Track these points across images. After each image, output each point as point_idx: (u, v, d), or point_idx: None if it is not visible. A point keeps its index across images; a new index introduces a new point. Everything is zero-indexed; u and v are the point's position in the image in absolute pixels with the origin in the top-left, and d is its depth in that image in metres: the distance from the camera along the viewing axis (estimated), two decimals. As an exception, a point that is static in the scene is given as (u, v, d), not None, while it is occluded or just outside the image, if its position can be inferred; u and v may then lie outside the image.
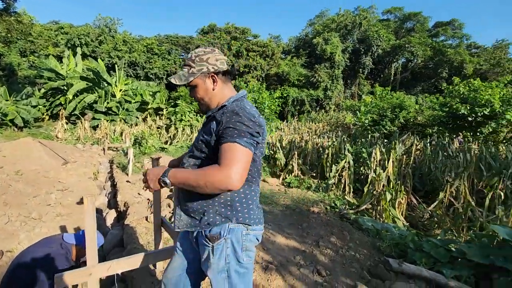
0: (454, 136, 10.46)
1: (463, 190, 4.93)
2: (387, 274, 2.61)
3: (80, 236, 2.06)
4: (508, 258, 2.39)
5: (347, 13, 32.31)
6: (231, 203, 1.20)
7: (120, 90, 19.85)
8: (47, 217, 3.26)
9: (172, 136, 10.78)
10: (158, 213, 2.32)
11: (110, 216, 4.29)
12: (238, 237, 1.20)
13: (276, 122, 14.82)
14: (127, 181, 5.06)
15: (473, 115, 9.55)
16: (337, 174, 5.41)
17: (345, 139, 7.00)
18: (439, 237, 3.48)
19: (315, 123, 19.85)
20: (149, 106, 21.75)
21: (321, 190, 5.16)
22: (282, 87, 27.63)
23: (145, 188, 1.27)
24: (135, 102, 20.55)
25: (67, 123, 12.20)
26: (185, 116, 13.44)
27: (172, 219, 3.20)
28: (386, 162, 5.09)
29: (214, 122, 1.20)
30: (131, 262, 1.74)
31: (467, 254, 2.63)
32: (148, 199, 4.23)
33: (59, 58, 24.32)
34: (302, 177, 5.87)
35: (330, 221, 3.74)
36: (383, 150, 5.49)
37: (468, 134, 10.46)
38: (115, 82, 19.79)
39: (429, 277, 2.54)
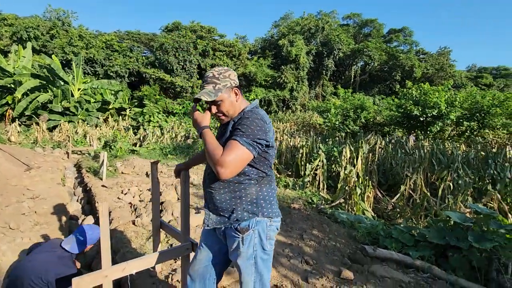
0: (407, 134, 11.59)
1: (420, 183, 5.58)
2: (364, 259, 2.96)
3: (78, 240, 2.05)
4: (460, 238, 2.86)
5: (310, 16, 33.64)
6: (256, 201, 1.39)
7: (79, 89, 18.56)
8: (25, 226, 3.08)
9: (141, 138, 10.44)
10: (157, 216, 2.40)
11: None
12: (263, 228, 1.39)
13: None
14: (103, 186, 4.90)
15: (424, 115, 10.68)
16: (311, 172, 5.79)
17: (317, 139, 7.44)
18: (402, 225, 3.96)
19: (282, 123, 20.44)
20: (110, 106, 20.64)
21: (297, 188, 5.49)
22: (249, 88, 27.94)
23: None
24: (95, 102, 19.36)
25: (20, 125, 11.14)
26: (153, 117, 13.05)
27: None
28: (355, 159, 5.58)
29: (232, 127, 1.38)
30: (144, 262, 1.82)
31: (427, 237, 3.08)
32: (130, 203, 4.17)
33: (3, 53, 21.97)
34: (278, 176, 6.16)
35: (310, 215, 4.05)
36: (352, 148, 6.00)
37: (420, 132, 11.65)
38: (73, 80, 18.44)
39: (399, 259, 2.94)
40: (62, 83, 17.39)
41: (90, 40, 28.16)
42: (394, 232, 3.40)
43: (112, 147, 7.13)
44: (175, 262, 2.65)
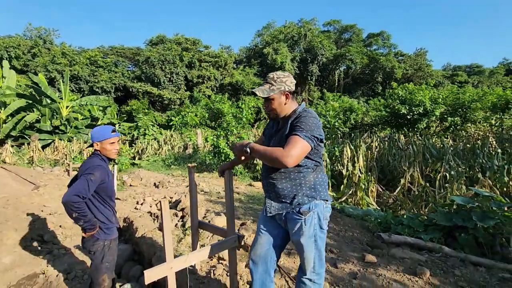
0: (395, 132, 12.13)
1: (417, 176, 5.96)
2: (382, 245, 3.21)
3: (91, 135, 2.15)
4: (465, 219, 3.17)
5: (292, 24, 34.62)
6: (314, 186, 1.61)
7: (67, 107, 18.28)
8: (57, 239, 3.16)
9: (140, 151, 10.45)
10: (195, 216, 2.58)
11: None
12: (321, 209, 1.62)
13: (251, 130, 15.25)
14: (117, 198, 4.98)
15: (411, 113, 11.26)
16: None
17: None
18: (405, 215, 4.26)
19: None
20: (99, 122, 20.38)
21: (304, 188, 5.73)
22: (237, 97, 28.27)
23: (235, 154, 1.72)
24: (84, 119, 19.09)
25: (12, 146, 10.92)
26: (148, 130, 13.04)
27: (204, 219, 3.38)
28: (356, 158, 5.90)
29: (289, 125, 1.59)
30: (202, 254, 2.00)
31: (435, 221, 3.38)
32: (149, 212, 4.28)
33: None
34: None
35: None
36: (352, 147, 6.33)
37: (407, 130, 12.23)
38: (60, 98, 18.16)
39: (412, 243, 3.21)
40: (49, 101, 17.11)
41: (73, 57, 27.85)
42: (404, 219, 3.69)
43: (116, 161, 7.17)
44: (212, 260, 2.82)
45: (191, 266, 2.69)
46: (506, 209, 3.13)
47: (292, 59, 30.76)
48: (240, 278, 2.45)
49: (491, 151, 6.52)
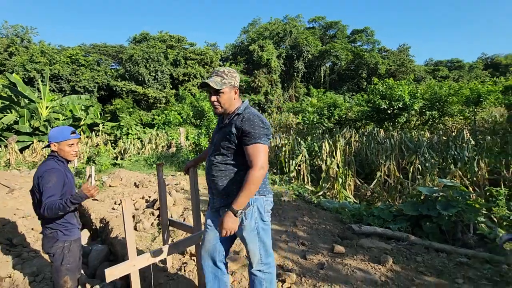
0: (378, 127, 12.41)
1: (393, 169, 6.14)
2: (352, 236, 3.33)
3: (49, 135, 2.13)
4: (430, 208, 3.32)
5: (277, 21, 34.65)
6: None
7: (47, 107, 17.74)
8: (26, 242, 3.12)
9: (122, 151, 10.29)
10: (165, 215, 2.60)
11: (84, 236, 4.20)
12: (261, 203, 1.68)
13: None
14: (94, 199, 4.92)
15: (391, 108, 11.52)
16: (295, 168, 6.16)
17: (297, 137, 7.86)
18: (380, 205, 4.41)
19: (260, 126, 20.87)
20: (82, 123, 19.89)
21: (284, 183, 5.82)
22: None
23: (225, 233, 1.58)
24: (65, 119, 18.58)
25: (-13, 149, 10.54)
26: (131, 130, 12.85)
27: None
28: (334, 152, 6.03)
29: (234, 126, 1.61)
30: (166, 250, 2.03)
31: (403, 211, 3.52)
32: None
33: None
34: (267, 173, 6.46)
35: (299, 206, 4.39)
36: (330, 142, 6.46)
37: (388, 124, 12.52)
38: (39, 98, 17.61)
39: (381, 233, 3.34)
40: (28, 101, 16.58)
41: (53, 56, 27.00)
42: (375, 210, 3.82)
43: (96, 162, 7.04)
44: (184, 257, 2.85)
45: (162, 263, 2.72)
46: (472, 197, 3.29)
47: (278, 55, 30.83)
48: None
49: (464, 143, 6.79)
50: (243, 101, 1.75)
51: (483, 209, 4.35)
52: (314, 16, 39.81)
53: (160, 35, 31.86)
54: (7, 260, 2.67)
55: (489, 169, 6.04)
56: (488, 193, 4.80)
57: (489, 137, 7.19)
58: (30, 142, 14.32)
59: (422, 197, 3.71)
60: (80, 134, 18.30)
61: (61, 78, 25.97)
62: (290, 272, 2.49)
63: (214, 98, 1.67)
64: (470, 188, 5.23)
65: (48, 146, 2.09)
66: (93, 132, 18.57)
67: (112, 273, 1.77)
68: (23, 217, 4.01)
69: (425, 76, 36.73)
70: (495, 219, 4.43)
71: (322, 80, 35.17)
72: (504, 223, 4.11)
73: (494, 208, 4.52)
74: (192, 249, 2.78)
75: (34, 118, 16.28)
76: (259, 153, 1.54)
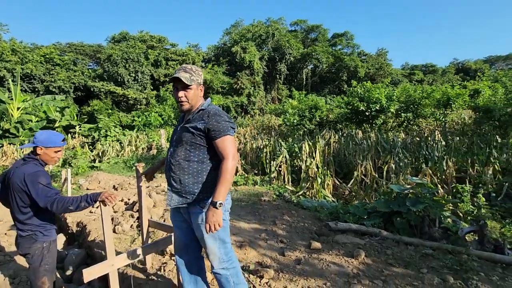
0: (357, 128, 12.84)
1: (369, 168, 6.40)
2: (329, 233, 3.47)
3: (36, 138, 2.07)
4: (400, 205, 3.52)
5: (260, 24, 34.93)
6: (212, 183, 1.65)
7: (18, 108, 16.91)
8: (1, 246, 3.01)
9: (100, 154, 10.00)
10: (144, 216, 2.61)
11: (59, 240, 4.08)
12: None
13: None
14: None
15: (369, 110, 11.96)
16: (276, 168, 6.28)
17: (278, 138, 8.00)
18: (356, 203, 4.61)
19: (243, 128, 20.93)
20: (57, 124, 19.11)
21: (265, 184, 5.92)
22: (207, 96, 27.97)
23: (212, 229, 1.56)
24: (39, 121, 17.79)
25: (-48, 152, 9.89)
26: (110, 132, 12.51)
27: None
28: (314, 153, 6.20)
29: (200, 122, 1.64)
30: (145, 250, 2.06)
31: (377, 208, 3.71)
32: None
33: None
34: (246, 175, 6.53)
35: (279, 205, 4.49)
36: (310, 144, 6.63)
37: (367, 125, 12.97)
38: (10, 99, 16.77)
39: (356, 229, 3.50)
40: (-2, 102, 15.75)
41: (25, 54, 25.72)
42: (351, 208, 4.00)
43: (72, 164, 6.81)
44: (164, 257, 2.86)
45: (141, 264, 2.73)
46: (441, 193, 3.52)
47: (261, 57, 31.06)
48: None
49: (434, 144, 7.18)
50: (205, 100, 1.80)
51: (450, 204, 4.66)
52: (296, 20, 40.46)
53: (141, 35, 31.23)
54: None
55: (456, 167, 6.45)
56: (454, 190, 5.14)
57: (457, 138, 7.65)
58: (0, 145, 13.61)
59: (394, 195, 3.92)
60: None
61: (34, 78, 24.75)
62: (268, 268, 2.57)
63: (182, 93, 1.67)
64: (439, 186, 5.55)
65: (33, 148, 2.04)
66: (69, 134, 17.89)
67: (90, 273, 1.78)
68: (-7, 223, 3.85)
69: (401, 80, 38.21)
70: (461, 214, 4.76)
71: (304, 83, 35.76)
72: (469, 218, 4.42)
73: (460, 204, 4.85)
74: (172, 249, 2.80)
75: (4, 120, 15.49)
76: (229, 144, 1.60)
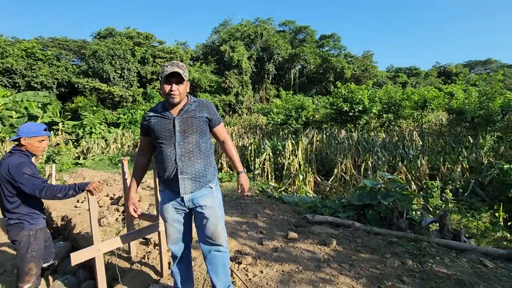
0: (340, 128, 13.24)
1: (349, 166, 6.70)
2: (306, 224, 3.69)
3: (20, 130, 2.20)
4: (372, 198, 3.79)
5: (248, 23, 35.08)
6: (214, 164, 1.98)
7: (-2, 104, 16.40)
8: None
9: (85, 151, 9.90)
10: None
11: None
12: (217, 181, 2.01)
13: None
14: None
15: (352, 111, 12.37)
16: (260, 166, 6.48)
17: (262, 136, 8.20)
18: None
19: (230, 127, 21.05)
20: (39, 121, 18.60)
21: (250, 180, 6.10)
22: (195, 94, 27.86)
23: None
24: (19, 117, 17.28)
25: None
26: (95, 129, 12.36)
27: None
28: (296, 151, 6.44)
29: (204, 111, 1.89)
30: (130, 237, 2.20)
31: (351, 202, 3.96)
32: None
33: None
34: (231, 172, 6.70)
35: (261, 200, 4.69)
36: (293, 142, 6.87)
37: (350, 125, 13.39)
38: (-11, 94, 16.21)
39: (331, 221, 3.74)
40: (-24, 97, 15.22)
41: (5, 48, 24.88)
42: (328, 202, 4.25)
43: (56, 161, 6.76)
44: (148, 247, 3.00)
45: (126, 253, 2.86)
46: (412, 188, 3.81)
47: (249, 57, 31.22)
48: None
49: (409, 144, 7.57)
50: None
51: (421, 199, 4.99)
52: (284, 20, 40.85)
53: (127, 31, 30.73)
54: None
55: (430, 166, 6.84)
56: (425, 186, 5.50)
57: (431, 138, 8.07)
58: (-21, 141, 13.20)
59: (368, 190, 4.19)
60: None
61: (15, 72, 23.99)
62: (247, 255, 2.76)
63: (175, 87, 1.77)
64: (412, 182, 5.91)
65: (18, 140, 2.15)
66: (52, 131, 17.48)
67: (77, 257, 1.91)
68: (-24, 217, 3.86)
69: (386, 82, 39.25)
70: (430, 208, 5.10)
71: (292, 83, 36.18)
72: (437, 212, 4.76)
73: (429, 199, 5.20)
74: (156, 239, 2.95)
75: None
76: (224, 128, 2.02)
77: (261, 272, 2.46)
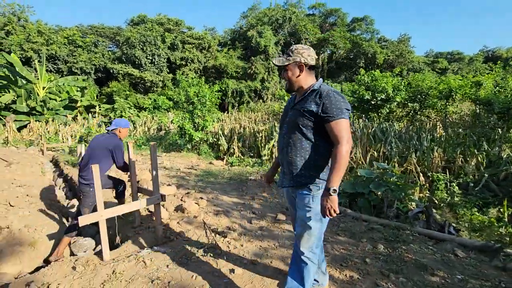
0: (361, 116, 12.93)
1: (359, 156, 6.72)
2: (298, 208, 3.93)
3: (116, 123, 3.18)
4: (364, 187, 3.91)
5: (277, 7, 34.36)
6: (322, 166, 1.65)
7: (44, 88, 18.11)
8: (23, 204, 3.71)
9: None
10: (135, 183, 3.17)
11: (74, 204, 4.80)
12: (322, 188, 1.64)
13: (217, 113, 15.76)
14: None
15: (374, 99, 11.99)
16: (269, 151, 6.72)
17: (276, 123, 8.38)
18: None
19: (254, 113, 21.31)
20: (78, 104, 20.30)
21: (257, 165, 6.40)
22: (221, 80, 28.33)
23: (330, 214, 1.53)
24: (62, 100, 18.97)
25: (-14, 127, 11.04)
26: (125, 112, 13.31)
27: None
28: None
29: (313, 103, 1.59)
30: (130, 206, 2.62)
31: (344, 189, 4.11)
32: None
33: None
34: (242, 157, 7.04)
35: (263, 183, 4.98)
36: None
37: (372, 114, 13.02)
38: (36, 78, 17.95)
39: (323, 206, 3.94)
40: (25, 82, 16.94)
41: (50, 36, 26.97)
42: (324, 189, 4.42)
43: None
44: (153, 219, 3.45)
45: (131, 222, 3.32)
46: (421, 181, 3.87)
47: (276, 42, 30.81)
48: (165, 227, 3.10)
49: (426, 135, 7.33)
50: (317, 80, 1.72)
51: (427, 191, 4.97)
52: (314, 3, 39.37)
53: (158, 18, 31.65)
54: (6, 216, 3.26)
55: (446, 158, 6.63)
56: (431, 178, 5.42)
57: (450, 129, 7.72)
58: (27, 122, 14.83)
59: (364, 179, 4.29)
60: (77, 116, 18.76)
61: (58, 58, 26.06)
62: (234, 231, 3.09)
63: (282, 74, 1.74)
64: (421, 174, 5.82)
65: (115, 128, 3.13)
66: (90, 114, 19.03)
67: (84, 221, 2.35)
68: (19, 186, 4.60)
69: (423, 68, 36.73)
70: (436, 201, 5.07)
71: (321, 69, 35.25)
72: (442, 205, 4.74)
73: (436, 192, 5.16)
74: (152, 209, 3.38)
75: (31, 98, 16.69)
76: (343, 128, 1.52)
77: (242, 245, 2.77)
